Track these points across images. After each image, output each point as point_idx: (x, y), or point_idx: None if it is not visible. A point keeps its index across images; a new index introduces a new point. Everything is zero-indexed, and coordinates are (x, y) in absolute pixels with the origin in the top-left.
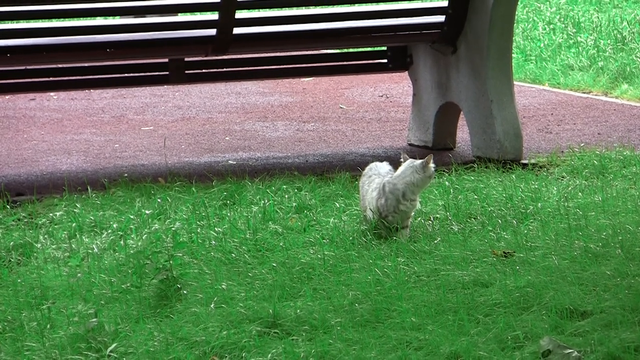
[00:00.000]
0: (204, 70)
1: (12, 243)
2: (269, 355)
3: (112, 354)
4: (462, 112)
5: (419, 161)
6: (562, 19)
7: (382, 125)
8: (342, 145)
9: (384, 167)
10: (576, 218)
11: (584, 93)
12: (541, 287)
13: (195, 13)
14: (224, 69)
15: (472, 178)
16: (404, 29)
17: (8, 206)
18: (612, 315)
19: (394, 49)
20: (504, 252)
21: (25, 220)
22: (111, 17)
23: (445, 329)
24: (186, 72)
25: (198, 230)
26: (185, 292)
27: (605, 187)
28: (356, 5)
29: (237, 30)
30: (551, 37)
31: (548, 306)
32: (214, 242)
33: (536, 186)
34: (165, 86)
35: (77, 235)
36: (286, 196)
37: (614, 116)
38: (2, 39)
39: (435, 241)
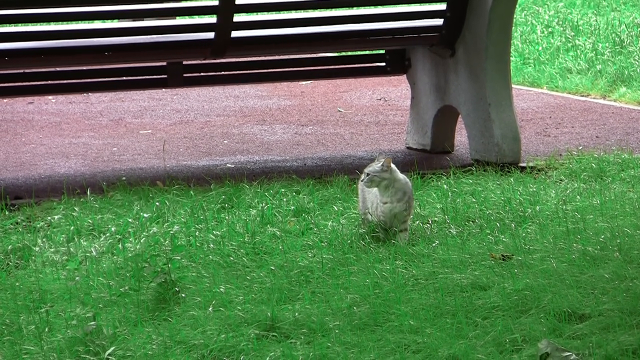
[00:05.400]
0: (202, 74)
1: (10, 246)
2: (267, 358)
3: (110, 357)
4: (460, 116)
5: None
6: (561, 22)
7: (380, 129)
8: (340, 149)
9: None
10: (574, 221)
11: (582, 96)
12: (539, 290)
13: (194, 16)
14: (222, 72)
15: (471, 181)
16: (403, 32)
17: (6, 209)
18: (610, 318)
19: (393, 52)
20: (502, 255)
21: (24, 223)
22: (109, 21)
23: (443, 332)
24: (184, 75)
25: (196, 234)
26: (183, 295)
27: (604, 190)
28: (354, 8)
29: (235, 34)
30: (549, 41)
31: (546, 309)
32: (212, 245)
33: (534, 189)
34: (164, 89)
35: (76, 239)
36: (284, 199)
37: (612, 119)
38: (0, 43)
39: (434, 244)
